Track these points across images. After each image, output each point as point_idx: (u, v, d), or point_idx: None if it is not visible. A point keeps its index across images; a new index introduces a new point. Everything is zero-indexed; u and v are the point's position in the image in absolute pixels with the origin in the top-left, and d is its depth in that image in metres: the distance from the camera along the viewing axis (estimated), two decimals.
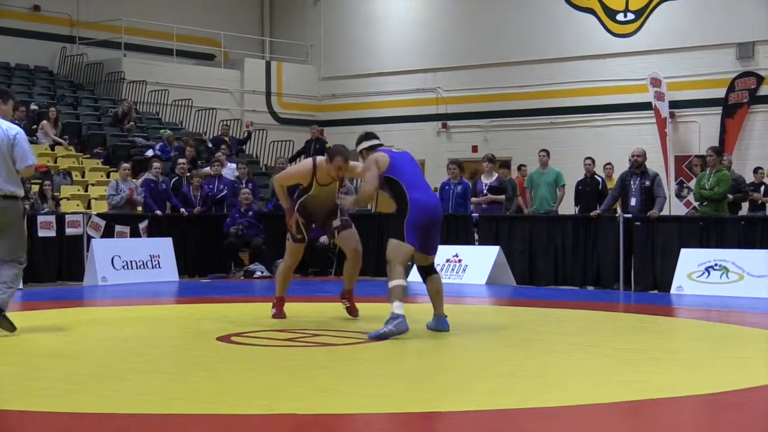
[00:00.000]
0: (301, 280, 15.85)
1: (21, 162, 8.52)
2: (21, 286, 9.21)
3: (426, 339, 8.51)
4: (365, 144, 8.91)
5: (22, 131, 8.82)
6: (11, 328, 8.40)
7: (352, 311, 9.65)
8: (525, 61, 23.87)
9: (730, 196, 14.48)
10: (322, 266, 16.70)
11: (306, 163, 9.58)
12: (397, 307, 8.34)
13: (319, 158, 9.38)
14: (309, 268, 16.45)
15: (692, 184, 14.82)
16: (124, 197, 15.84)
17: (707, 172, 14.21)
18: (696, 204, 14.57)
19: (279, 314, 9.54)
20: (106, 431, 5.08)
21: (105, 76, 24.47)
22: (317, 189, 9.33)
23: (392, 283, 8.42)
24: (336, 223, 9.49)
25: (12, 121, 9.01)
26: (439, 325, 8.75)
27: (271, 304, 9.73)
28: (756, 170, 17.58)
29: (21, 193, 8.63)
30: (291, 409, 5.49)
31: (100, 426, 5.17)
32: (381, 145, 8.95)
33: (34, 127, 20.17)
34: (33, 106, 20.96)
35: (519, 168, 19.34)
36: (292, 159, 21.08)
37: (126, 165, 16.51)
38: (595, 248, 14.61)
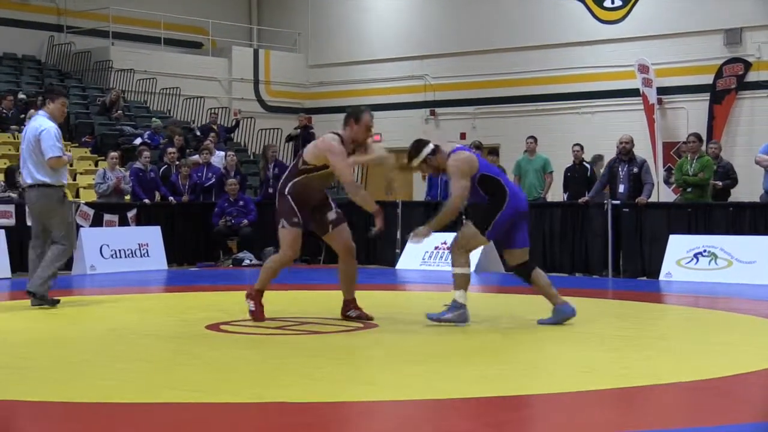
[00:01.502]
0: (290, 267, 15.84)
1: (45, 155, 9.73)
2: (57, 267, 10.02)
3: (416, 326, 8.52)
4: (427, 150, 8.36)
5: (49, 128, 9.83)
6: (53, 303, 9.85)
7: (364, 316, 8.74)
8: (513, 48, 23.85)
9: (719, 183, 14.52)
10: (311, 254, 16.70)
11: (336, 139, 8.41)
12: (460, 296, 8.34)
13: (339, 132, 8.51)
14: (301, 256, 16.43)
15: (675, 170, 14.83)
16: (111, 186, 15.82)
17: (688, 157, 14.23)
18: (680, 190, 14.59)
19: (259, 314, 8.51)
20: (96, 420, 5.08)
21: (93, 64, 24.40)
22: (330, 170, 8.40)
23: (459, 271, 8.38)
24: (331, 215, 8.62)
25: (48, 118, 9.98)
26: (565, 310, 8.53)
27: (245, 293, 8.76)
28: None
29: (53, 181, 9.83)
30: (281, 397, 5.50)
31: (90, 415, 5.17)
32: (437, 145, 8.47)
33: (22, 116, 20.10)
34: (21, 95, 20.89)
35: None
36: (290, 139, 21.24)
37: (114, 154, 16.48)
38: (583, 235, 14.65)
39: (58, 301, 9.97)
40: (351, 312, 8.75)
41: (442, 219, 8.50)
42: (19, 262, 14.29)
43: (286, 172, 8.62)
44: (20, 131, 19.48)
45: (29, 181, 9.96)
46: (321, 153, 8.36)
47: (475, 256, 14.50)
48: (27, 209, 10.21)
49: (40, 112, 10.24)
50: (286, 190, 8.39)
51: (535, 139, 16.91)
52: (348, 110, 8.65)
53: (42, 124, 9.85)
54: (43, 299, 9.82)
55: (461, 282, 8.36)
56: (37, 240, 10.07)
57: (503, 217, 8.39)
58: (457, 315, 8.31)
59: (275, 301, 9.57)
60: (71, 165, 19.16)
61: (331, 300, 9.57)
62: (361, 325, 8.43)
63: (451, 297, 8.43)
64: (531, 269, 8.53)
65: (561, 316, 8.49)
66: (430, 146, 8.41)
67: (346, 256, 8.70)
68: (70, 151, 19.75)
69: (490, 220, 8.39)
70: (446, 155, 8.38)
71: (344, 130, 8.48)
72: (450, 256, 8.60)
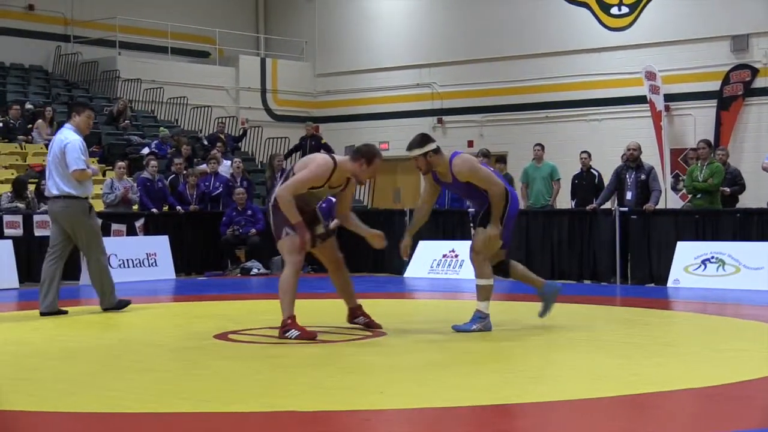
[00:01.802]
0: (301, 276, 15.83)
1: (69, 168, 10.00)
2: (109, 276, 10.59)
3: (424, 334, 8.52)
4: (432, 146, 8.42)
5: (74, 141, 10.08)
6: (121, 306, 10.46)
7: (373, 324, 8.68)
8: (520, 56, 23.88)
9: (727, 190, 14.51)
10: (320, 262, 16.66)
11: (325, 163, 8.16)
12: (485, 306, 8.47)
13: (339, 158, 8.27)
14: (308, 264, 16.44)
15: (685, 177, 14.83)
16: (119, 196, 15.84)
17: (699, 164, 14.23)
18: (689, 197, 14.59)
19: (307, 333, 8.07)
20: (105, 430, 5.08)
21: (100, 74, 24.45)
22: (323, 190, 8.36)
23: (483, 282, 8.49)
24: (320, 230, 8.46)
25: (74, 131, 10.25)
26: (551, 286, 8.80)
27: (278, 332, 8.18)
28: None
29: (79, 193, 10.13)
30: (291, 406, 5.49)
31: (98, 426, 5.17)
32: (439, 147, 8.56)
33: (30, 126, 20.15)
34: (28, 106, 20.94)
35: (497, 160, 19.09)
36: (288, 155, 21.06)
37: (121, 164, 16.52)
38: (591, 242, 14.63)
39: (65, 312, 10.14)
40: (359, 319, 8.71)
41: (497, 214, 8.50)
42: (26, 272, 14.33)
43: (278, 186, 8.34)
44: (28, 141, 19.60)
45: (55, 192, 10.18)
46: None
47: None
48: (50, 219, 10.49)
49: (67, 124, 10.40)
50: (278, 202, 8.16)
51: (543, 147, 16.91)
52: (365, 145, 8.41)
53: (67, 137, 10.10)
54: (119, 305, 10.44)
55: (486, 293, 8.49)
56: (54, 249, 10.27)
57: (509, 218, 8.56)
58: (483, 324, 8.44)
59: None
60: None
61: (339, 309, 9.55)
62: (370, 334, 8.42)
63: (473, 307, 8.53)
64: (508, 264, 8.80)
65: (551, 294, 8.71)
66: (434, 144, 8.47)
67: (335, 268, 8.69)
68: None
69: (489, 216, 8.52)
70: (446, 159, 8.44)
71: (349, 162, 8.24)
72: (473, 267, 8.63)
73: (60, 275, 10.24)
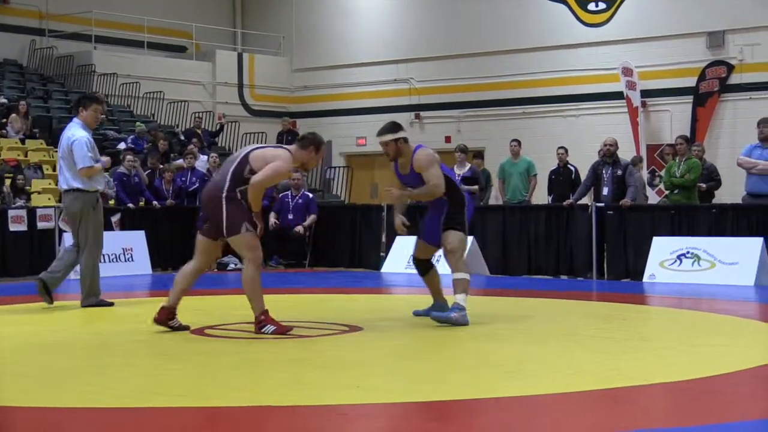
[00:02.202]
0: (274, 272, 15.83)
1: (76, 166, 10.15)
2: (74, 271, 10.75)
3: (400, 329, 8.53)
4: (403, 134, 8.72)
5: (80, 138, 10.14)
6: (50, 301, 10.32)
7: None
8: (497, 52, 23.91)
9: (703, 185, 14.58)
10: (296, 257, 16.68)
11: (289, 156, 8.13)
12: (463, 299, 8.59)
13: (291, 147, 8.36)
14: (279, 259, 16.46)
15: (663, 173, 14.90)
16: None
17: (677, 160, 14.31)
18: (666, 192, 14.66)
19: (283, 327, 8.07)
20: (83, 425, 5.07)
21: (75, 68, 24.33)
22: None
23: (461, 276, 8.65)
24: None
25: (81, 126, 10.36)
26: (446, 317, 8.69)
27: (259, 323, 8.10)
28: None
29: (87, 187, 10.26)
30: (267, 401, 5.49)
31: (77, 421, 5.15)
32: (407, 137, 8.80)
33: (4, 120, 20.04)
34: (2, 100, 20.82)
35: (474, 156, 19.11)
36: None
37: (106, 158, 16.41)
38: (567, 237, 14.67)
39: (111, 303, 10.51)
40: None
41: (419, 195, 8.76)
42: (1, 267, 14.28)
43: (226, 177, 8.04)
44: (2, 136, 19.49)
45: (65, 187, 10.39)
46: (265, 161, 8.06)
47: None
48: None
49: (75, 119, 10.45)
50: (238, 195, 8.01)
51: (519, 142, 16.95)
52: (311, 134, 8.41)
53: (74, 133, 10.18)
54: (100, 304, 10.47)
55: (463, 286, 8.62)
56: (76, 241, 10.59)
57: (469, 216, 8.89)
58: (462, 316, 8.51)
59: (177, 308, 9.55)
60: (54, 169, 19.10)
61: (316, 303, 9.56)
62: (347, 329, 8.42)
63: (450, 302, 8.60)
64: (431, 266, 9.02)
65: (440, 319, 8.63)
66: (405, 133, 8.77)
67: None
68: (53, 155, 19.67)
69: (463, 220, 8.74)
70: (411, 149, 8.71)
71: (298, 150, 8.20)
72: (449, 265, 8.76)
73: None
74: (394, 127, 8.76)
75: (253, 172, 8.01)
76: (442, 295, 9.02)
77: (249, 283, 8.06)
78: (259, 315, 8.07)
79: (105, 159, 10.96)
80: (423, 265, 9.05)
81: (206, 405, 5.41)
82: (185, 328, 8.28)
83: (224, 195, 7.97)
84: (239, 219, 7.99)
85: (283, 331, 8.02)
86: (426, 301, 9.20)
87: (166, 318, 8.26)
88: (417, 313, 9.06)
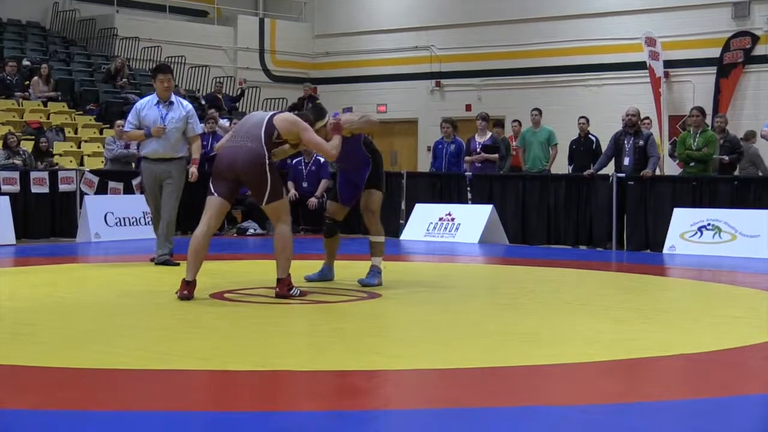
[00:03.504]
0: (295, 238, 15.84)
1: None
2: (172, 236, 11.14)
3: (419, 296, 8.55)
4: (328, 116, 8.79)
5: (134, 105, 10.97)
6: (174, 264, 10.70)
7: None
8: (519, 20, 23.79)
9: (726, 158, 14.50)
10: (314, 224, 16.68)
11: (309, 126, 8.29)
12: (379, 261, 9.06)
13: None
14: (300, 226, 16.46)
15: (677, 144, 14.79)
16: (122, 147, 15.90)
17: (691, 131, 14.20)
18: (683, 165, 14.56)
19: (304, 291, 8.40)
20: (99, 386, 5.10)
21: (97, 32, 24.33)
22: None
23: (381, 239, 9.08)
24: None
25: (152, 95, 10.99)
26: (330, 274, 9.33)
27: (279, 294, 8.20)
28: None
29: (139, 152, 11.16)
30: (287, 366, 5.51)
31: (94, 381, 5.19)
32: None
33: (27, 83, 20.08)
34: (25, 62, 20.85)
35: (512, 123, 19.14)
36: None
37: (120, 122, 16.45)
38: (587, 207, 14.63)
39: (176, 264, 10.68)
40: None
41: (361, 126, 8.84)
42: (23, 229, 14.34)
43: (261, 143, 8.03)
44: (25, 98, 19.53)
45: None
46: (295, 128, 8.18)
47: (479, 227, 14.61)
48: None
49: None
50: (273, 162, 8.12)
51: (540, 112, 16.88)
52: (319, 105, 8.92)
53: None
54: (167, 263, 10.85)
55: (382, 249, 9.10)
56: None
57: (382, 173, 9.22)
58: (380, 279, 8.97)
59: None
60: (75, 132, 19.14)
61: (337, 269, 9.57)
62: (365, 295, 8.45)
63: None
64: (338, 228, 9.33)
65: (316, 277, 9.23)
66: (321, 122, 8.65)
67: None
68: (75, 118, 19.71)
69: (381, 179, 9.10)
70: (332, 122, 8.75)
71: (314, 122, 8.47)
72: (369, 226, 9.14)
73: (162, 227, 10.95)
74: (321, 112, 8.74)
75: (279, 137, 8.12)
76: (334, 259, 9.37)
77: (285, 243, 8.16)
78: (288, 277, 8.19)
79: (122, 124, 11.04)
80: (334, 228, 9.27)
81: (225, 368, 5.43)
82: (304, 294, 8.30)
83: (267, 163, 8.01)
84: (280, 185, 8.17)
85: (304, 294, 8.26)
86: (440, 268, 9.21)
87: (193, 290, 8.16)
88: (309, 278, 9.24)
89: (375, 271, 9.02)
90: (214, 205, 8.23)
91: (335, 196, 9.28)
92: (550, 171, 16.41)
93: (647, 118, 17.03)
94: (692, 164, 14.15)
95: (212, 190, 8.21)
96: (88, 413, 4.51)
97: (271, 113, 8.36)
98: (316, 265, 9.53)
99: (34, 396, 4.77)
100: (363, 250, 9.48)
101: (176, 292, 8.10)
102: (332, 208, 9.25)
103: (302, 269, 9.35)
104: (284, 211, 8.19)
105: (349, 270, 9.76)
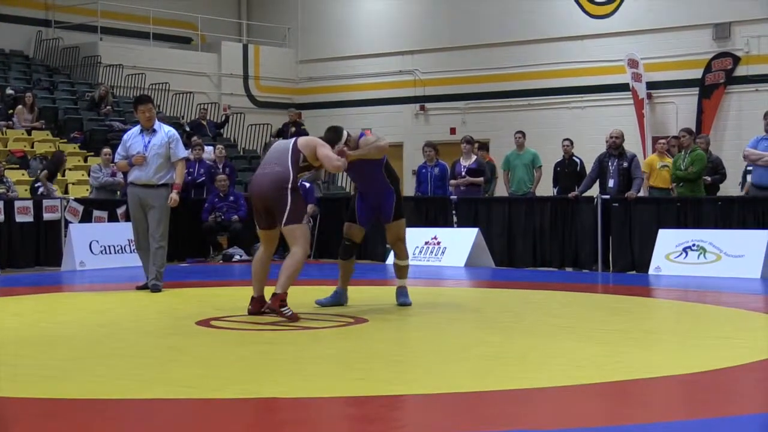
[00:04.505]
0: (280, 263, 15.81)
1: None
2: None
3: (406, 321, 8.54)
4: (345, 135, 9.00)
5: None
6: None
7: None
8: (503, 43, 23.87)
9: (708, 178, 14.56)
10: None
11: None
12: (406, 282, 9.47)
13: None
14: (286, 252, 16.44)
15: (671, 166, 14.84)
16: (108, 175, 15.90)
17: (682, 153, 14.27)
18: (673, 185, 14.62)
19: (295, 315, 8.38)
20: (84, 416, 5.07)
21: (81, 60, 24.31)
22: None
23: (407, 263, 9.48)
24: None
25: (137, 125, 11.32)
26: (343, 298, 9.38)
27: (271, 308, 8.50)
28: None
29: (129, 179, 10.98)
30: (273, 393, 5.49)
31: (81, 411, 5.16)
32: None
33: (10, 111, 20.05)
34: (9, 91, 20.82)
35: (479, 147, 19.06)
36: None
37: (107, 150, 16.45)
38: (573, 230, 14.65)
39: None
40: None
41: (367, 153, 8.94)
42: (7, 258, 14.30)
43: (288, 167, 8.47)
44: (9, 127, 19.50)
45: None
46: (313, 147, 8.65)
47: (465, 250, 14.62)
48: None
49: None
50: (297, 186, 8.51)
51: (524, 134, 16.91)
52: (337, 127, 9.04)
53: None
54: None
55: (407, 271, 9.50)
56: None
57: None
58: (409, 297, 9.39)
59: (267, 297, 9.56)
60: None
61: (321, 295, 9.56)
62: (352, 321, 8.43)
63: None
64: (355, 250, 9.44)
65: (329, 302, 9.26)
66: (346, 132, 8.99)
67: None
68: (59, 146, 19.67)
69: (401, 207, 9.32)
70: (356, 139, 9.06)
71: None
72: (396, 252, 9.48)
73: (147, 256, 10.98)
74: (339, 133, 8.93)
75: (305, 160, 8.58)
76: (348, 282, 9.41)
77: (295, 264, 8.47)
78: (284, 294, 8.39)
79: (134, 157, 10.98)
80: (352, 250, 9.32)
81: (211, 397, 5.41)
82: (295, 317, 8.35)
83: (290, 186, 8.39)
84: (301, 210, 8.51)
85: (295, 319, 8.28)
86: (426, 292, 9.20)
87: (260, 307, 8.65)
88: (321, 303, 9.23)
89: (405, 292, 9.41)
90: (261, 236, 8.77)
91: (353, 217, 9.29)
92: (534, 193, 16.43)
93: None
94: (681, 184, 14.21)
95: (257, 224, 8.73)
96: None
97: (294, 139, 8.81)
98: (294, 291, 9.51)
99: (18, 428, 4.73)
100: (352, 276, 9.47)
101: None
102: (351, 230, 9.26)
103: (291, 294, 9.32)
104: (302, 236, 8.45)
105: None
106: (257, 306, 8.70)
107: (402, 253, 9.42)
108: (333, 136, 8.87)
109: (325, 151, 8.60)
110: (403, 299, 9.38)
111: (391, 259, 15.25)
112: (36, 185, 16.13)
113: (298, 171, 8.57)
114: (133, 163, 10.84)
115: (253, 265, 8.88)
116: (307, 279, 11.84)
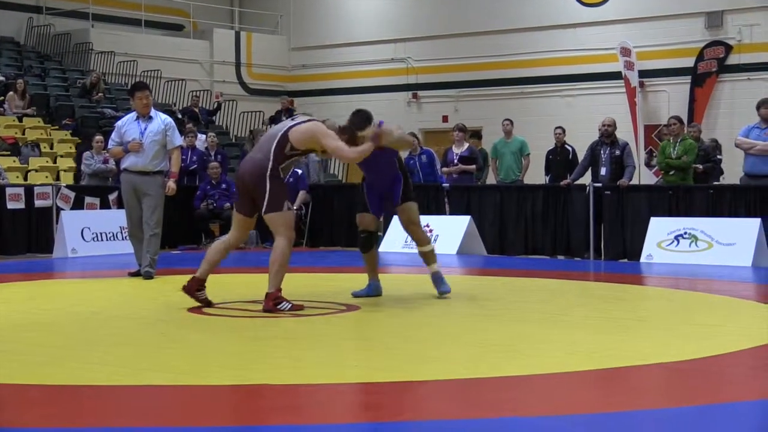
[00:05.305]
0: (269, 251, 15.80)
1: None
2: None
3: (397, 309, 8.54)
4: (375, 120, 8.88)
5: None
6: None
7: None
8: (495, 31, 23.84)
9: (700, 167, 14.57)
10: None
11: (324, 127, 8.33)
12: (439, 266, 9.16)
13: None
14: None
15: (657, 153, 14.86)
16: (100, 162, 15.87)
17: (671, 140, 14.26)
18: (662, 173, 14.63)
19: (297, 305, 8.20)
20: (76, 402, 5.07)
21: (73, 46, 24.25)
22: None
23: (431, 247, 9.21)
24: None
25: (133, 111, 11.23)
26: (378, 290, 9.15)
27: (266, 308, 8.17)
28: None
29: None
30: (264, 380, 5.49)
31: (70, 397, 5.16)
32: None
33: (2, 98, 19.99)
34: (0, 78, 20.76)
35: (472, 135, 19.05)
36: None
37: (99, 137, 16.41)
38: (565, 217, 14.66)
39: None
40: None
41: (395, 141, 8.85)
42: None
43: (269, 155, 8.12)
44: (0, 114, 19.43)
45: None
46: (313, 138, 8.20)
47: (457, 238, 14.62)
48: None
49: None
50: (279, 173, 8.17)
51: (512, 122, 16.88)
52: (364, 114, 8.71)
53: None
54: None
55: (435, 255, 9.19)
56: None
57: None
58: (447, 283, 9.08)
59: (259, 284, 9.55)
60: (51, 147, 19.05)
61: (313, 283, 9.56)
62: (344, 308, 8.43)
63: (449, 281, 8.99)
64: (376, 239, 9.36)
65: (366, 293, 9.06)
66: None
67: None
68: (50, 134, 19.63)
69: (411, 190, 9.20)
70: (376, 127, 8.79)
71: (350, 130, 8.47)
72: (414, 238, 9.25)
73: (140, 243, 11.05)
74: (368, 117, 8.71)
75: (293, 149, 8.17)
76: (377, 272, 9.18)
77: (280, 257, 8.14)
78: (276, 291, 8.13)
79: (130, 143, 10.91)
80: (371, 240, 9.15)
81: (202, 383, 5.41)
82: (209, 303, 8.36)
83: (268, 173, 8.08)
84: (281, 197, 8.14)
85: (297, 308, 8.10)
86: (419, 279, 9.19)
87: (195, 288, 8.40)
88: (356, 294, 9.05)
89: (441, 278, 9.10)
90: (234, 220, 8.56)
91: (365, 207, 9.17)
92: (523, 181, 16.42)
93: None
94: (672, 173, 14.21)
95: (235, 206, 8.53)
96: (65, 430, 4.48)
97: (291, 124, 8.35)
98: (286, 279, 9.50)
99: (10, 413, 4.73)
100: (344, 262, 9.45)
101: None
102: (366, 220, 9.14)
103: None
104: (283, 224, 8.16)
105: (326, 283, 9.74)
106: (193, 286, 8.37)
107: (421, 238, 9.13)
108: (362, 122, 8.52)
109: (335, 143, 8.15)
110: (442, 288, 9.06)
111: (383, 247, 15.31)
112: None
113: (284, 159, 8.18)
114: (129, 149, 10.83)
115: (211, 247, 8.63)
116: (298, 267, 11.83)
